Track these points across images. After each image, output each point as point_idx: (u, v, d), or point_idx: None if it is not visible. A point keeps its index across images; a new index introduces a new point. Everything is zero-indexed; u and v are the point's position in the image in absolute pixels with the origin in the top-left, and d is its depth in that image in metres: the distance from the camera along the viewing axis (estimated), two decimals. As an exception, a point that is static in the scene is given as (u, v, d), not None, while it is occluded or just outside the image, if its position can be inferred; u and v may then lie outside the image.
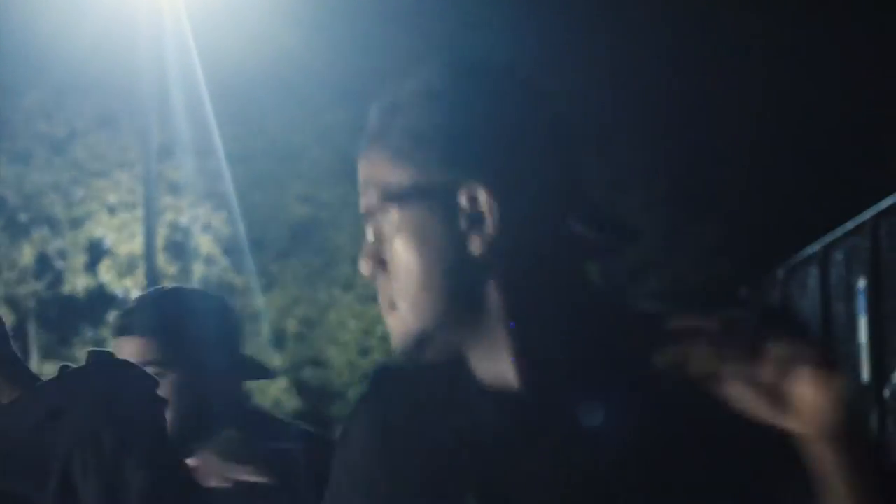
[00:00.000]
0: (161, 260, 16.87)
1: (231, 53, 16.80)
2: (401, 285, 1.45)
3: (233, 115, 18.12)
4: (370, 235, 1.47)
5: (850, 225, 7.83)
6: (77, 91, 18.37)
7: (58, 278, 18.61)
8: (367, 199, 1.47)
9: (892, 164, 15.31)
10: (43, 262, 18.61)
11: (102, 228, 18.40)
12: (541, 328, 1.43)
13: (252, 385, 19.82)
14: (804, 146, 17.75)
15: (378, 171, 1.46)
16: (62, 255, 18.56)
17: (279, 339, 19.15)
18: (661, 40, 17.86)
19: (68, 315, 19.09)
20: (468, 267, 1.42)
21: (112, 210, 18.56)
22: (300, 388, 19.37)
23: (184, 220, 18.66)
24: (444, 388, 1.50)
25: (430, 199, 1.43)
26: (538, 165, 1.44)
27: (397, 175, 1.44)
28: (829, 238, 8.57)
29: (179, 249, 18.86)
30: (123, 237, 18.37)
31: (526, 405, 1.43)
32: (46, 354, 19.05)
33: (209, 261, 18.86)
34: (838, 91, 17.27)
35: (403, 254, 1.43)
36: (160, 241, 16.76)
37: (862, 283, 7.77)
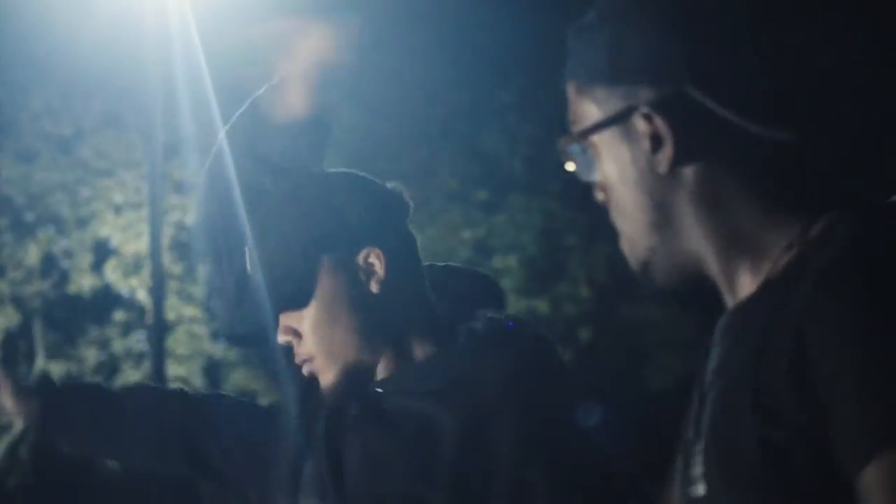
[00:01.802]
0: (167, 259, 16.88)
1: (237, 52, 16.79)
2: (616, 212, 1.52)
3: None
4: (590, 164, 1.52)
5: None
6: (83, 90, 18.37)
7: (63, 278, 18.62)
8: (572, 130, 1.54)
9: (893, 163, 15.29)
10: (48, 262, 18.61)
11: (108, 228, 18.40)
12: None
13: (258, 385, 19.85)
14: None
15: (574, 102, 1.55)
16: (68, 254, 18.56)
17: (285, 339, 19.17)
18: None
19: (74, 314, 19.09)
20: (661, 184, 1.45)
21: (118, 209, 18.56)
22: (306, 387, 19.40)
23: (190, 219, 18.67)
24: None
25: (615, 127, 1.46)
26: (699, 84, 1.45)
27: (586, 107, 1.52)
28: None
29: (185, 249, 18.86)
30: (129, 236, 18.37)
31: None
32: (52, 354, 19.06)
33: (215, 260, 18.85)
34: (840, 86, 17.26)
35: (611, 181, 1.49)
36: (166, 241, 16.76)
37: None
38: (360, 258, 2.18)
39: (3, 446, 18.82)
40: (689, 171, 1.43)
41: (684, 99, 1.42)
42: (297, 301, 2.18)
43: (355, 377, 2.18)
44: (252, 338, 2.32)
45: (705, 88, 1.41)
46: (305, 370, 2.23)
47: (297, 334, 2.20)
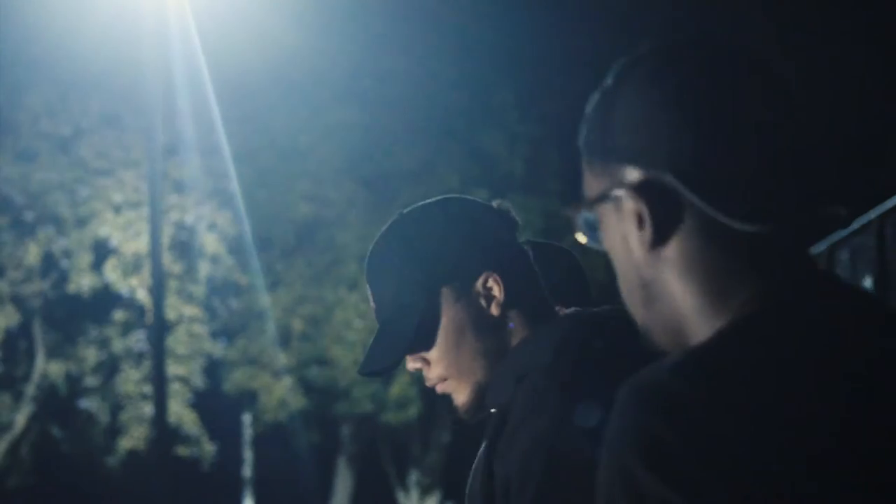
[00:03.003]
0: (166, 259, 16.88)
1: (236, 52, 16.81)
2: (619, 281, 1.57)
3: (238, 114, 18.12)
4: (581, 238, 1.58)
5: (855, 224, 7.83)
6: (82, 90, 18.38)
7: (63, 277, 18.62)
8: (582, 200, 1.58)
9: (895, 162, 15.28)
10: (48, 261, 18.62)
11: (108, 227, 18.40)
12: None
13: (258, 385, 19.81)
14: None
15: (583, 171, 1.57)
16: (67, 254, 18.56)
17: (285, 338, 19.16)
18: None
19: (74, 314, 19.10)
20: (643, 262, 1.50)
21: (117, 209, 18.56)
22: (306, 387, 19.38)
23: (189, 218, 18.67)
24: None
25: (607, 204, 1.52)
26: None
27: (588, 180, 1.56)
28: (834, 237, 8.57)
29: (185, 248, 18.87)
30: (129, 236, 18.38)
31: None
32: (52, 353, 19.07)
33: (215, 260, 18.86)
34: (839, 90, 17.25)
35: (609, 252, 1.55)
36: (166, 240, 16.76)
37: (868, 282, 7.76)
38: (479, 284, 2.21)
39: (3, 446, 18.81)
40: (669, 251, 1.48)
41: (662, 184, 1.47)
42: (423, 341, 2.22)
43: (487, 395, 2.23)
44: (388, 370, 2.35)
45: (683, 178, 1.46)
46: (439, 390, 2.27)
47: (426, 361, 2.25)
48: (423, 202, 2.35)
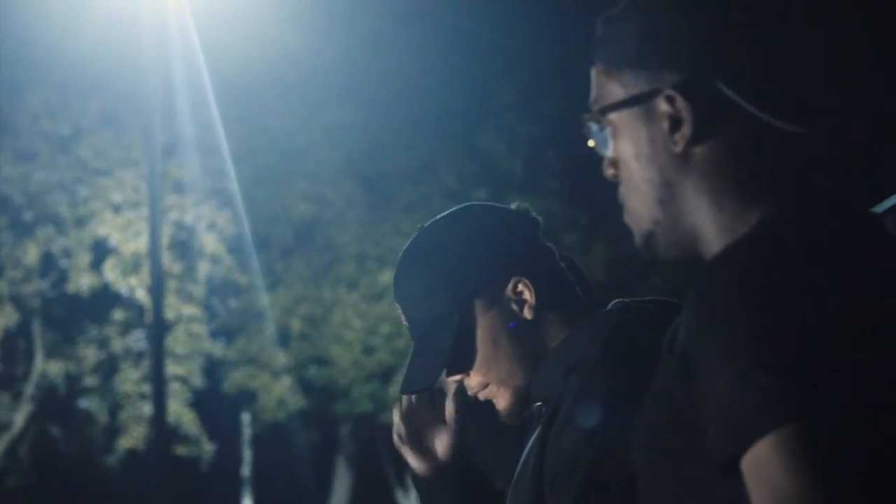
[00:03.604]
0: (166, 258, 16.88)
1: (236, 52, 16.81)
2: (625, 187, 1.62)
3: (237, 114, 18.12)
4: (606, 142, 1.64)
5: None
6: (81, 90, 18.37)
7: (62, 277, 18.62)
8: (593, 108, 1.65)
9: (895, 162, 15.29)
10: (48, 261, 18.61)
11: (107, 227, 18.40)
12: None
13: (257, 384, 19.82)
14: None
15: (598, 83, 1.64)
16: (67, 253, 18.56)
17: (284, 338, 19.16)
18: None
19: (73, 314, 19.10)
20: (672, 163, 1.57)
21: (117, 209, 18.57)
22: (305, 386, 19.38)
23: (188, 218, 18.67)
24: None
25: (636, 107, 1.59)
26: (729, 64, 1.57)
27: (610, 87, 1.62)
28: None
29: (184, 248, 18.87)
30: (128, 236, 18.38)
31: None
32: (51, 353, 19.06)
33: (214, 259, 18.87)
34: (840, 89, 17.25)
35: (625, 158, 1.61)
36: (165, 240, 16.76)
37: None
38: (509, 290, 2.20)
39: (2, 446, 18.81)
40: (700, 152, 1.56)
41: (706, 86, 1.55)
42: (466, 362, 2.22)
43: (530, 398, 2.23)
44: (429, 388, 2.34)
45: (726, 78, 1.55)
46: (481, 397, 2.26)
47: (466, 372, 2.26)
48: (441, 215, 2.34)
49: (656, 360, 1.63)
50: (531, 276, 2.22)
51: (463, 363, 2.23)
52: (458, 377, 2.26)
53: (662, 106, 1.57)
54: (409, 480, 20.82)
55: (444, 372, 2.25)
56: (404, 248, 2.31)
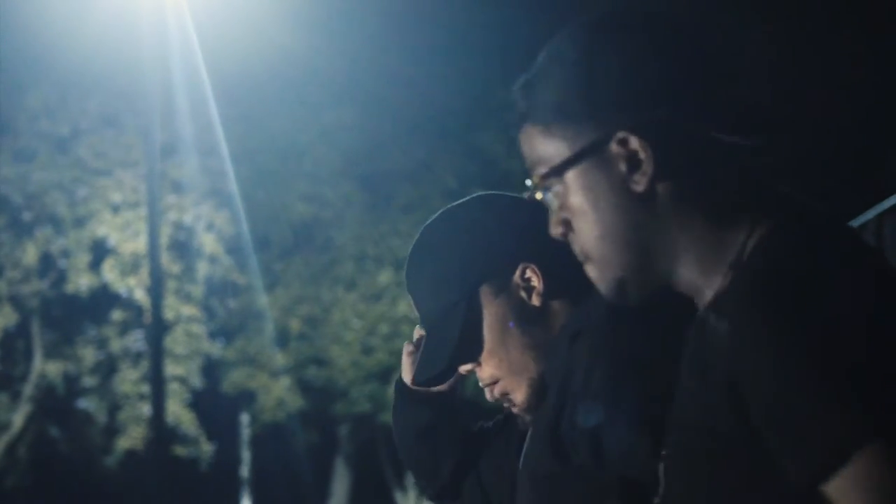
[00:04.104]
0: (165, 259, 16.88)
1: (234, 52, 16.80)
2: (586, 239, 1.60)
3: (236, 114, 18.12)
4: (553, 203, 1.62)
5: (853, 224, 7.83)
6: (80, 90, 18.37)
7: (61, 277, 18.62)
8: (538, 172, 1.62)
9: (895, 162, 15.29)
10: (46, 261, 18.61)
11: (106, 227, 18.40)
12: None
13: (256, 385, 19.81)
14: (806, 146, 17.73)
15: (537, 146, 1.63)
16: (66, 253, 18.56)
17: (283, 338, 19.16)
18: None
19: (72, 314, 19.10)
20: (636, 204, 1.55)
21: (115, 209, 18.56)
22: (304, 387, 19.37)
23: (187, 218, 18.66)
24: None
25: (589, 158, 1.56)
26: (673, 97, 1.55)
27: (554, 146, 1.60)
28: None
29: (183, 248, 18.86)
30: (127, 236, 18.37)
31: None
32: (50, 353, 19.06)
33: (213, 260, 18.86)
34: (839, 89, 17.25)
35: (582, 210, 1.58)
36: (164, 240, 16.76)
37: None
38: (517, 277, 2.18)
39: (1, 446, 18.81)
40: (664, 187, 1.54)
41: (657, 119, 1.53)
42: (474, 350, 2.20)
43: (544, 389, 2.18)
44: (442, 378, 2.32)
45: (676, 106, 1.53)
46: (496, 393, 2.23)
47: (477, 362, 2.22)
48: (449, 205, 2.35)
49: (662, 334, 1.63)
50: (540, 262, 2.20)
51: (472, 352, 2.21)
52: (468, 368, 2.24)
53: (616, 149, 1.54)
54: (407, 480, 20.81)
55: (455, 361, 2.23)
56: (415, 239, 2.31)
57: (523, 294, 2.19)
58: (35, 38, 17.37)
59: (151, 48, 13.36)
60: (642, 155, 1.53)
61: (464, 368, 2.25)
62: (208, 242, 18.73)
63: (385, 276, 18.73)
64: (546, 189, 1.61)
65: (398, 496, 20.57)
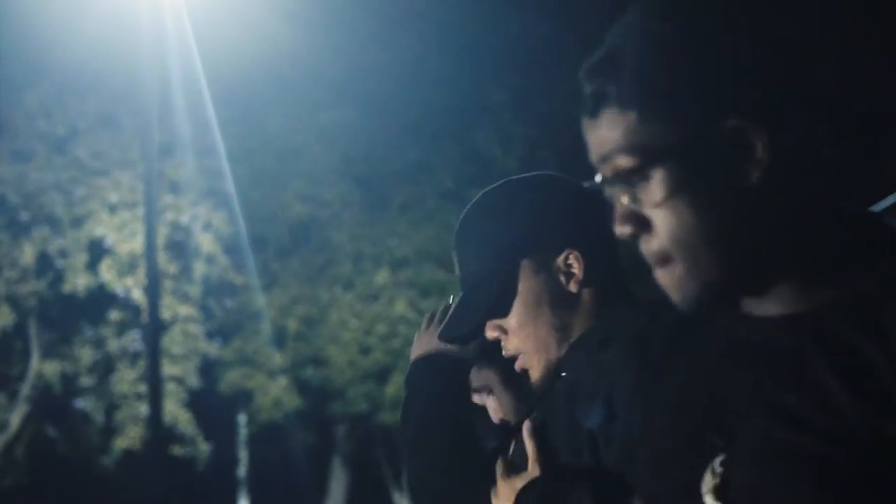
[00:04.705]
0: (162, 259, 16.87)
1: (232, 52, 16.81)
2: (675, 237, 1.43)
3: (233, 114, 18.13)
4: (624, 198, 1.45)
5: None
6: (78, 90, 18.37)
7: (58, 277, 18.61)
8: (619, 164, 1.44)
9: (893, 161, 15.31)
10: (44, 261, 18.60)
11: (103, 227, 18.40)
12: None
13: (253, 384, 19.79)
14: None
15: (625, 133, 1.43)
16: (63, 253, 18.55)
17: (280, 338, 19.16)
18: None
19: (69, 314, 19.09)
20: (746, 199, 1.40)
21: (113, 209, 18.56)
22: (301, 387, 19.37)
23: (184, 218, 18.66)
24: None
25: (695, 146, 1.41)
26: (791, 86, 1.43)
27: (649, 133, 1.42)
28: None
29: (180, 248, 18.86)
30: (124, 236, 18.37)
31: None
32: (47, 353, 19.05)
33: (210, 260, 18.86)
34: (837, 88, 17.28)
35: (674, 205, 1.42)
36: (161, 240, 16.76)
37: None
38: (560, 260, 2.25)
39: (-2, 446, 18.80)
40: (778, 180, 1.42)
41: (776, 107, 1.42)
42: (500, 309, 2.28)
43: (556, 373, 2.27)
44: (469, 336, 2.40)
45: (793, 97, 1.44)
46: (517, 366, 2.32)
47: (504, 330, 2.30)
48: (518, 176, 2.40)
49: (695, 343, 1.53)
50: (584, 252, 2.26)
51: (501, 313, 2.28)
52: (495, 335, 2.30)
53: (728, 137, 1.43)
54: (404, 480, 20.79)
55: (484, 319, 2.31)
56: (474, 199, 2.38)
57: (562, 278, 2.26)
58: (33, 38, 17.37)
59: (149, 48, 13.37)
60: (757, 143, 1.40)
61: (491, 335, 2.32)
62: (205, 242, 18.72)
63: (382, 276, 18.73)
64: (623, 182, 1.45)
65: (395, 496, 20.58)
